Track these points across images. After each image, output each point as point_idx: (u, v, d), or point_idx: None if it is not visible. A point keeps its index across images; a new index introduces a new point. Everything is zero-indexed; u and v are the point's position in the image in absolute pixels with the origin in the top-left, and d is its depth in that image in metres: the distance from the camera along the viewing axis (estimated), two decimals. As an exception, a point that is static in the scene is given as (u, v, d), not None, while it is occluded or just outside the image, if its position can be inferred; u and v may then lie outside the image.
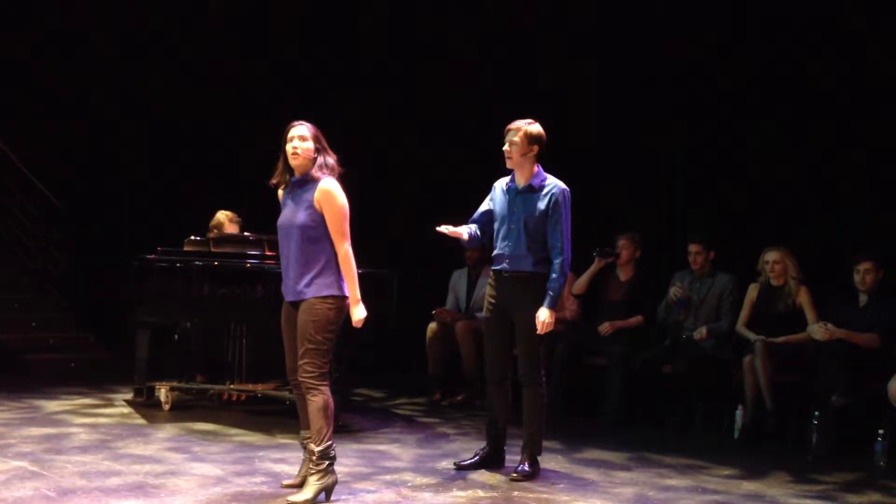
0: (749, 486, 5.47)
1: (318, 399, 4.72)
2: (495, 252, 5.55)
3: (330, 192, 4.75)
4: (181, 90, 10.85)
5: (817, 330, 6.50)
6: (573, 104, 8.75)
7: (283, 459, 5.61)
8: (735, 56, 8.09)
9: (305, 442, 4.90)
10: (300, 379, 4.76)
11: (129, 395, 7.50)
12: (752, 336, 6.93)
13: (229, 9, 10.71)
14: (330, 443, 4.75)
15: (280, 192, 4.98)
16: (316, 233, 4.76)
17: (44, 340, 9.54)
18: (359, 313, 4.84)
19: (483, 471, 5.51)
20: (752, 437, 6.70)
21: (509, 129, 5.46)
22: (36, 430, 6.18)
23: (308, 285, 4.74)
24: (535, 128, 5.46)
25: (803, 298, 6.95)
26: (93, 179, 10.86)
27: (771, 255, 7.04)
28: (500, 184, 5.61)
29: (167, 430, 6.38)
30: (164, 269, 7.12)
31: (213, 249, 7.17)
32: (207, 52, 10.79)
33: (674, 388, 7.17)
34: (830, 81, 7.64)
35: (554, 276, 5.37)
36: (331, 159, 4.84)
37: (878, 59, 7.41)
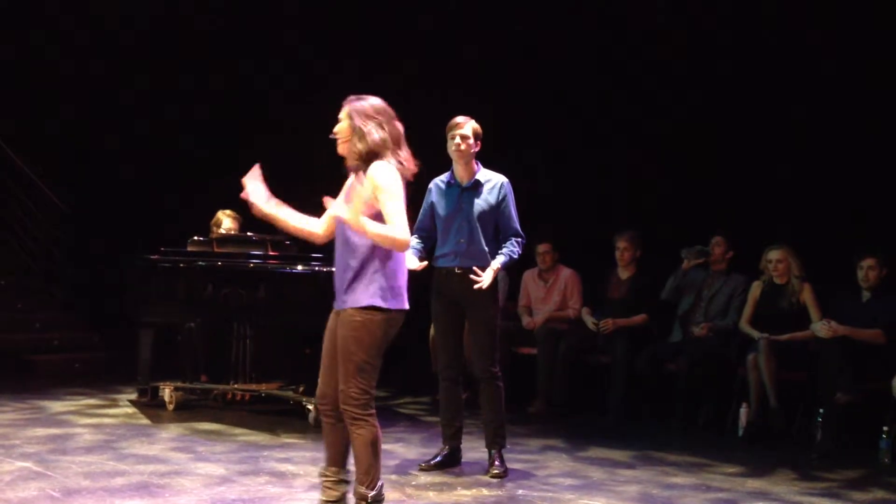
0: (754, 484, 5.46)
1: (365, 432, 4.02)
2: (443, 250, 5.50)
3: (374, 173, 4.06)
4: (184, 90, 10.85)
5: (821, 327, 6.51)
6: (578, 101, 8.75)
7: (287, 459, 5.61)
8: (740, 54, 8.09)
9: (327, 480, 4.20)
10: (343, 407, 4.03)
11: (134, 396, 7.50)
12: (755, 334, 6.93)
13: (227, 9, 10.72)
14: (381, 483, 4.10)
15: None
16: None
17: (48, 341, 9.56)
18: (339, 209, 4.06)
19: (487, 468, 5.50)
20: (756, 434, 6.70)
21: (457, 125, 5.41)
22: (40, 431, 6.18)
23: (348, 292, 4.08)
24: (477, 124, 5.48)
25: (806, 296, 6.95)
26: (96, 180, 10.86)
27: (773, 254, 7.04)
28: (437, 183, 5.56)
29: (171, 430, 6.38)
30: (167, 270, 7.13)
31: (215, 249, 7.18)
32: (209, 51, 10.79)
33: (678, 387, 7.17)
34: (834, 77, 7.64)
35: (514, 248, 5.43)
36: (376, 134, 4.09)
37: (882, 54, 7.41)
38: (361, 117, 4.10)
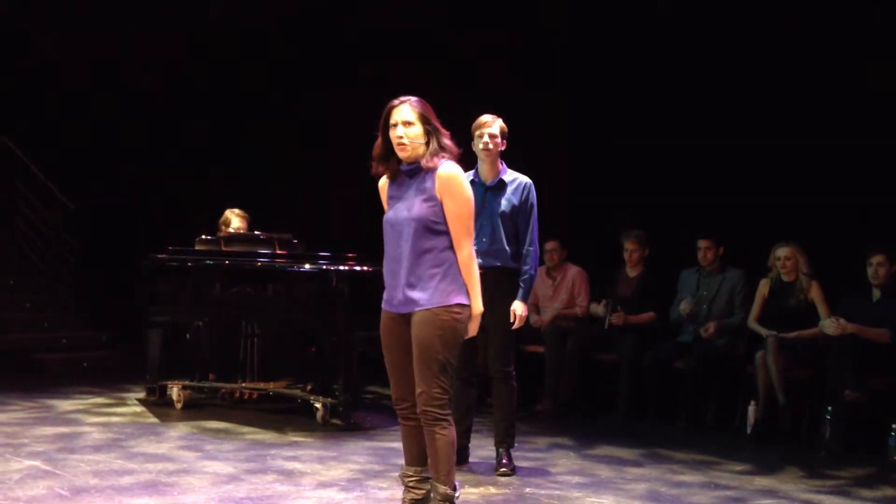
0: (762, 482, 5.46)
1: (448, 432, 3.99)
2: None
3: (454, 179, 4.01)
4: (189, 89, 10.87)
5: (829, 325, 6.49)
6: (580, 100, 8.73)
7: (295, 457, 5.61)
8: (741, 50, 8.07)
9: (410, 480, 4.18)
10: (425, 408, 3.96)
11: (142, 394, 7.52)
12: (763, 332, 6.92)
13: (229, 9, 10.73)
14: (458, 482, 4.10)
15: (383, 183, 4.22)
16: (439, 228, 4.01)
17: (56, 340, 9.59)
18: (476, 327, 4.13)
19: (495, 466, 5.50)
20: (764, 432, 6.69)
21: (484, 123, 5.38)
22: (49, 430, 6.20)
23: (429, 291, 3.98)
24: (504, 123, 5.45)
25: (815, 293, 6.93)
26: (104, 180, 10.89)
27: (782, 251, 7.03)
28: None
29: (179, 429, 6.39)
30: (175, 269, 7.14)
31: (223, 248, 7.19)
32: (214, 51, 10.81)
33: (685, 385, 7.16)
34: (839, 73, 7.63)
35: (526, 267, 5.42)
36: (445, 140, 4.07)
37: (884, 52, 7.39)
38: (434, 118, 4.09)
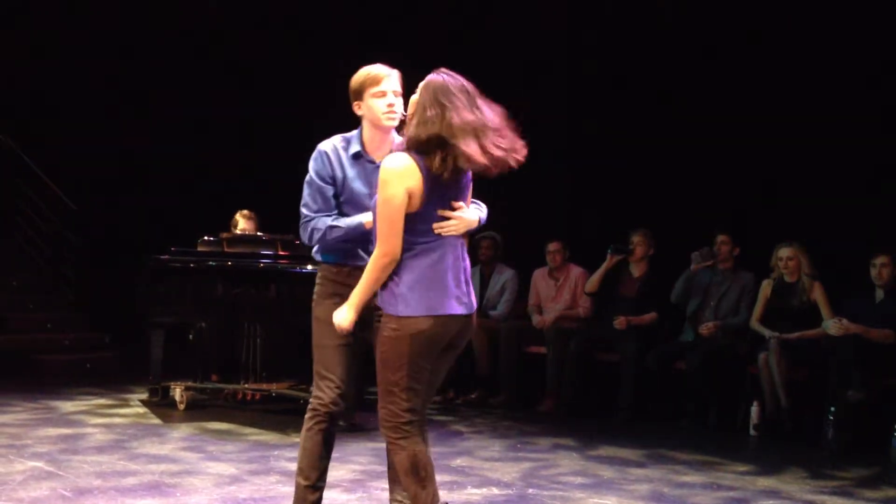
0: (765, 482, 5.45)
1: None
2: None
3: (381, 172, 3.43)
4: (195, 89, 10.87)
5: (832, 325, 6.49)
6: (589, 97, 8.74)
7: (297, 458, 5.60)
8: (747, 52, 8.08)
9: None
10: (423, 418, 3.76)
11: (144, 395, 7.52)
12: (766, 332, 6.91)
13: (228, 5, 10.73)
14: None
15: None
16: None
17: (59, 341, 9.59)
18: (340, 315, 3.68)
19: (497, 467, 5.50)
20: (767, 432, 6.69)
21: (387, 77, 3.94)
22: (52, 431, 6.20)
23: (472, 293, 3.67)
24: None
25: (817, 294, 6.92)
26: (106, 180, 10.89)
27: (784, 252, 7.02)
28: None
29: (182, 430, 6.40)
30: (177, 270, 7.15)
31: (226, 249, 7.20)
32: (217, 51, 10.82)
33: (688, 385, 7.16)
34: (843, 75, 7.63)
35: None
36: (433, 125, 3.42)
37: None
38: (431, 98, 3.43)
